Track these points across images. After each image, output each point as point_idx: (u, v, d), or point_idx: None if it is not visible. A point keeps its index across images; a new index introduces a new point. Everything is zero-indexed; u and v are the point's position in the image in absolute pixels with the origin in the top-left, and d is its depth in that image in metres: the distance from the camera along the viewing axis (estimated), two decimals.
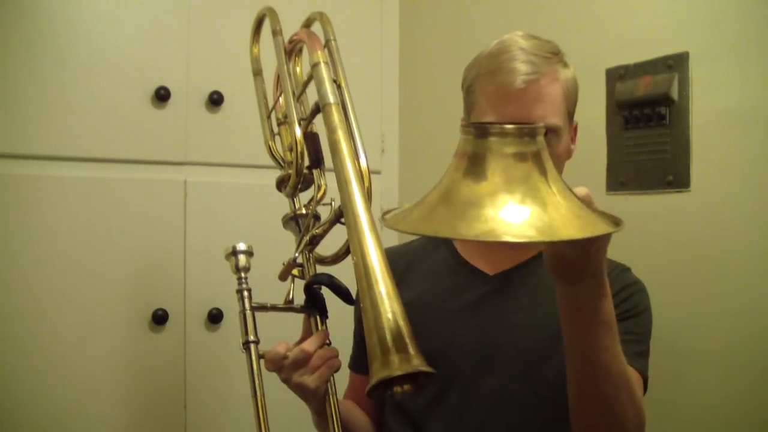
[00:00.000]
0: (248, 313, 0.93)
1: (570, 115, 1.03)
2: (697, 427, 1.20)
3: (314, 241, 0.98)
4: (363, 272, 0.69)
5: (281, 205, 1.64)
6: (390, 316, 0.64)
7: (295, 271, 0.99)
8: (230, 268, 0.97)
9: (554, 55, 1.01)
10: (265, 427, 0.89)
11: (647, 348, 1.02)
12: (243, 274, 0.96)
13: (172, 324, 1.48)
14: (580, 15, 1.41)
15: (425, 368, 0.62)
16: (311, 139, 1.01)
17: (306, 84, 1.01)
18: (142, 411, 1.45)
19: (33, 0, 1.38)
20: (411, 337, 0.64)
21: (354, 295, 0.96)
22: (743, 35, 1.16)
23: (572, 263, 0.73)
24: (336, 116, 0.86)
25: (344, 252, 0.96)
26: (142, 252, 1.46)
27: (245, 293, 0.94)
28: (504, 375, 0.99)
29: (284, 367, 0.93)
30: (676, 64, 1.23)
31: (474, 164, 0.64)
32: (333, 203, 0.94)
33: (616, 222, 0.65)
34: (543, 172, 0.64)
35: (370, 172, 0.89)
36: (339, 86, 0.93)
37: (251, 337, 0.92)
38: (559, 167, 1.03)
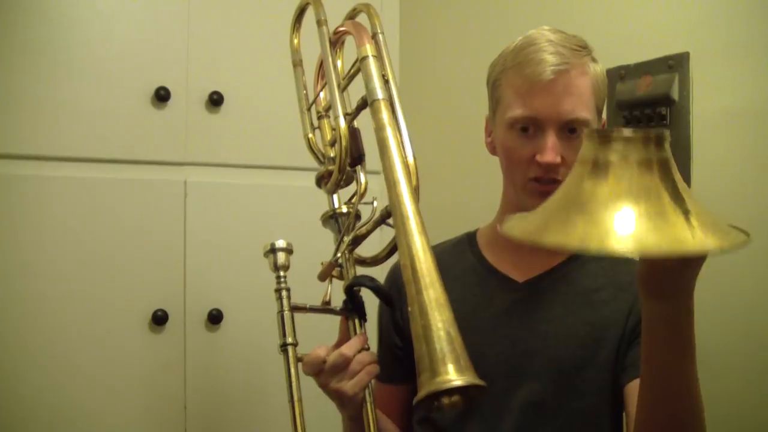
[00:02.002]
0: (287, 313, 0.89)
1: (599, 111, 1.00)
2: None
3: (356, 241, 0.95)
4: (411, 277, 0.67)
5: (281, 205, 1.65)
6: (441, 324, 0.62)
7: (334, 273, 0.96)
8: (269, 266, 0.93)
9: (583, 49, 0.99)
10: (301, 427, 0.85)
11: None
12: (282, 273, 0.92)
13: (172, 324, 1.48)
14: (580, 15, 1.41)
15: (478, 381, 0.60)
16: (353, 135, 0.97)
17: (351, 77, 0.98)
18: (142, 411, 1.44)
19: (33, 0, 1.38)
20: (463, 347, 0.62)
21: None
22: (743, 35, 1.16)
23: (674, 278, 0.69)
24: (385, 113, 0.84)
25: (386, 254, 0.93)
26: (142, 252, 1.45)
27: (284, 293, 0.90)
28: (535, 385, 0.97)
29: (323, 371, 0.89)
30: (677, 64, 1.23)
31: (598, 172, 0.59)
32: (375, 202, 0.92)
33: (745, 233, 0.60)
34: (671, 181, 0.60)
35: (413, 173, 0.86)
36: (387, 81, 0.90)
37: (289, 339, 0.88)
38: None
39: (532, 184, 0.97)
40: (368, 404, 0.89)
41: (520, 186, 1.00)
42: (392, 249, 0.91)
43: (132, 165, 1.46)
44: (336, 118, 0.93)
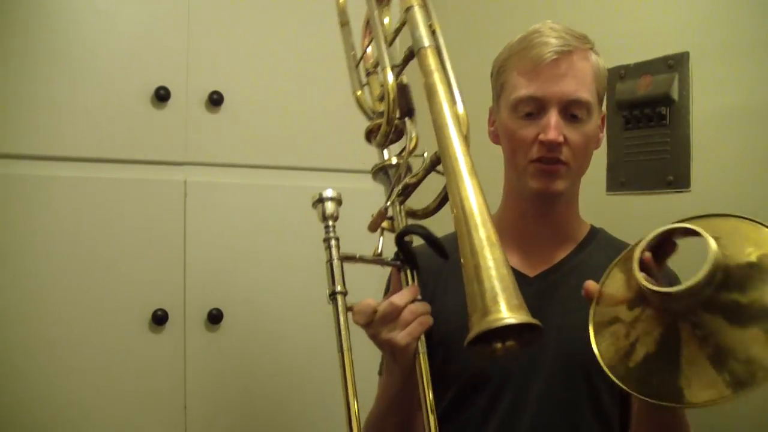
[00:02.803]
0: (336, 262, 0.86)
1: (600, 99, 1.03)
2: (697, 428, 1.20)
3: (407, 191, 0.92)
4: (462, 216, 0.64)
5: (281, 205, 1.65)
6: (492, 263, 0.60)
7: (385, 224, 0.93)
8: (317, 216, 0.90)
9: (586, 39, 1.02)
10: (352, 383, 0.81)
11: None
12: (331, 222, 0.89)
13: (172, 324, 1.48)
14: (579, 15, 1.41)
15: (532, 320, 0.57)
16: (402, 89, 0.95)
17: (398, 30, 0.97)
18: (142, 411, 1.44)
19: (32, 0, 1.38)
20: (516, 287, 0.59)
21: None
22: (743, 35, 1.16)
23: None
24: (432, 59, 0.82)
25: (436, 205, 0.91)
26: (142, 252, 1.45)
27: (333, 242, 0.87)
28: (550, 378, 0.98)
29: (373, 321, 0.87)
30: (677, 64, 1.23)
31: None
32: (425, 154, 0.89)
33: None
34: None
35: (463, 122, 0.82)
36: (434, 32, 0.88)
37: (338, 288, 0.85)
38: (589, 150, 1.03)
39: (535, 165, 0.99)
40: (421, 355, 0.85)
41: (522, 168, 1.01)
42: (443, 198, 0.88)
43: (132, 165, 1.46)
44: (383, 70, 0.91)
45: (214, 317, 1.51)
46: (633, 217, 1.29)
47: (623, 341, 0.72)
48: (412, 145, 0.93)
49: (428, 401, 0.82)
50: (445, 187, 0.84)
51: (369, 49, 1.08)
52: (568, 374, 0.98)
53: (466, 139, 0.80)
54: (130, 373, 1.43)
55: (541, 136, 0.97)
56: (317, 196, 0.91)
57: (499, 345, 0.61)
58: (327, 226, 0.88)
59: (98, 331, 1.41)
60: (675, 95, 1.23)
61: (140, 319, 1.45)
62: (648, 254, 0.71)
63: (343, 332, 0.82)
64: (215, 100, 1.53)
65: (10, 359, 1.34)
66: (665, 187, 1.25)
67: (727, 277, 0.63)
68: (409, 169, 0.94)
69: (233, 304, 1.54)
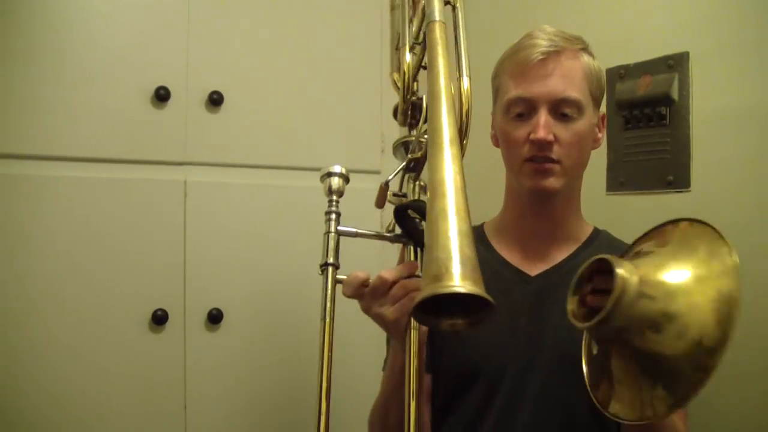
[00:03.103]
0: (332, 234, 0.86)
1: (594, 100, 1.04)
2: (697, 428, 1.20)
3: (416, 166, 0.91)
4: (431, 185, 0.63)
5: (281, 205, 1.65)
6: (450, 233, 0.59)
7: (394, 201, 0.92)
8: (323, 190, 0.91)
9: (577, 40, 1.04)
10: (329, 349, 0.82)
11: None
12: (335, 197, 0.90)
13: (172, 324, 1.48)
14: (579, 15, 1.41)
15: (483, 294, 0.55)
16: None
17: (412, 15, 0.97)
18: (142, 411, 1.44)
19: (32, 0, 1.38)
20: (475, 261, 0.58)
21: None
22: (743, 35, 1.16)
23: None
24: (438, 33, 0.81)
25: None
26: (142, 252, 1.45)
27: (333, 215, 0.88)
28: (547, 377, 0.99)
29: (364, 294, 0.88)
30: (676, 64, 1.23)
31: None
32: None
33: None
34: None
35: (465, 97, 0.81)
36: (454, 7, 0.87)
37: (330, 259, 0.85)
38: (583, 148, 1.04)
39: (528, 165, 1.01)
40: (412, 330, 0.85)
41: (517, 168, 1.03)
42: None
43: (132, 165, 1.46)
44: (402, 48, 0.92)
45: (214, 317, 1.51)
46: (633, 217, 1.29)
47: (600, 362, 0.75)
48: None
49: (411, 375, 0.82)
50: None
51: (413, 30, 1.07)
52: (564, 372, 0.98)
53: (467, 115, 0.80)
54: (130, 373, 1.43)
55: (531, 136, 0.99)
56: (325, 170, 0.93)
57: (448, 321, 0.61)
58: (330, 201, 0.89)
59: (98, 331, 1.41)
60: (675, 95, 1.23)
61: (140, 319, 1.45)
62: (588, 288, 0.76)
63: (328, 303, 0.83)
64: (215, 100, 1.53)
65: (10, 359, 1.34)
66: (665, 187, 1.25)
67: (651, 295, 0.66)
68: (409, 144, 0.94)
69: (233, 304, 1.54)
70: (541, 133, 0.97)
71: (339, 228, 0.86)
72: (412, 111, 0.94)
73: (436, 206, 0.61)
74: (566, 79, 0.99)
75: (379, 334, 1.61)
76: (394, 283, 0.86)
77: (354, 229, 0.88)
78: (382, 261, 1.68)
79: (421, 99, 0.93)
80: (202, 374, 1.51)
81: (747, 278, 1.14)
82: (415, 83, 0.96)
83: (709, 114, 1.20)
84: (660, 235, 0.77)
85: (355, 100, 1.71)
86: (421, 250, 0.84)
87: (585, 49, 1.04)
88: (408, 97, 0.91)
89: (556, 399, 0.98)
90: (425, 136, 0.87)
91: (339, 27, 1.70)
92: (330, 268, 0.85)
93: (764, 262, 1.12)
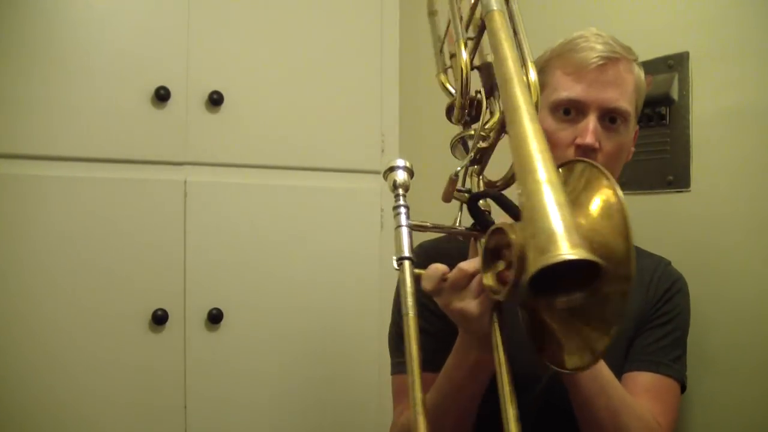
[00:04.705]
0: (404, 228, 0.81)
1: (637, 113, 1.03)
2: (697, 429, 1.20)
3: (483, 158, 0.89)
4: (522, 162, 0.62)
5: (281, 205, 1.65)
6: (552, 204, 0.57)
7: (460, 197, 0.88)
8: (387, 186, 0.86)
9: (631, 51, 1.02)
10: (415, 343, 0.74)
11: (683, 350, 1.03)
12: (401, 191, 0.84)
13: (172, 324, 1.48)
14: (579, 15, 1.41)
15: (595, 258, 0.53)
16: (486, 69, 0.91)
17: (474, 6, 0.93)
18: (142, 411, 1.44)
19: (32, 0, 1.38)
20: (576, 228, 0.56)
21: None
22: (743, 35, 1.16)
23: None
24: (498, 21, 0.78)
25: (511, 175, 0.86)
26: (141, 252, 1.45)
27: (402, 209, 0.82)
28: (549, 380, 0.98)
29: (443, 288, 0.81)
30: (676, 64, 1.23)
31: None
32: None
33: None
34: None
35: (533, 87, 0.79)
36: (507, 1, 0.85)
37: (406, 253, 0.79)
38: (621, 160, 1.03)
39: None
40: (496, 325, 0.79)
41: None
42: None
43: (132, 165, 1.46)
44: (458, 44, 0.89)
45: (214, 317, 1.51)
46: (633, 217, 1.29)
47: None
48: (492, 120, 0.89)
49: (503, 368, 0.76)
50: None
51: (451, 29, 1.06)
52: (565, 375, 0.97)
53: (536, 105, 0.77)
54: (130, 373, 1.43)
55: (578, 140, 0.96)
56: (388, 166, 0.87)
57: (563, 298, 0.59)
58: (397, 195, 0.84)
59: (98, 331, 1.41)
60: (675, 95, 1.23)
61: (140, 319, 1.45)
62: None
63: (409, 298, 0.76)
64: (215, 100, 1.53)
65: (10, 359, 1.34)
66: (665, 187, 1.25)
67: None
68: (485, 138, 0.90)
69: (233, 304, 1.54)
70: (590, 139, 0.95)
71: (410, 222, 0.81)
72: (468, 108, 0.91)
73: (529, 180, 0.59)
74: (620, 89, 0.97)
75: (378, 328, 1.61)
76: (473, 275, 0.80)
77: (426, 223, 0.85)
78: (380, 254, 1.68)
79: (478, 93, 0.91)
80: (202, 374, 1.51)
81: (747, 278, 1.14)
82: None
83: (709, 114, 1.20)
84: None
85: (355, 100, 1.71)
86: None
87: (636, 60, 1.02)
88: (466, 93, 0.88)
89: (558, 405, 0.96)
90: (486, 129, 0.86)
91: (339, 27, 1.70)
92: (406, 262, 0.78)
93: (765, 262, 1.12)
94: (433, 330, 0.98)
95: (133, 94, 1.46)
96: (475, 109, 0.90)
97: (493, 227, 0.70)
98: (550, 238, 0.54)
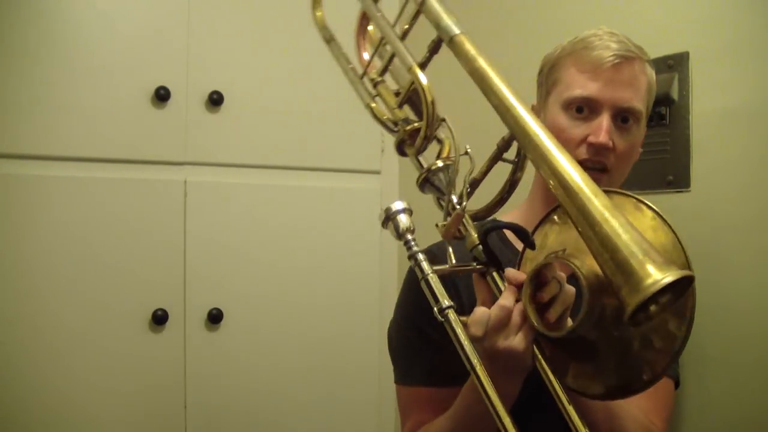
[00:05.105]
0: (431, 276, 0.76)
1: (647, 112, 1.02)
2: (696, 427, 1.20)
3: (473, 186, 0.85)
4: (566, 196, 0.60)
5: (281, 204, 1.65)
6: (620, 229, 0.56)
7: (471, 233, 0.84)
8: (390, 234, 0.81)
9: (644, 51, 1.01)
10: (497, 400, 0.70)
11: None
12: (410, 236, 0.79)
13: (172, 324, 1.48)
14: (579, 15, 1.41)
15: (686, 272, 0.54)
16: (415, 93, 0.88)
17: (407, 30, 0.90)
18: (142, 411, 1.44)
19: (33, 0, 1.38)
20: (651, 245, 0.55)
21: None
22: (743, 35, 1.15)
23: None
24: (470, 45, 0.76)
25: (499, 199, 0.85)
26: (142, 252, 1.45)
27: (420, 256, 0.77)
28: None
29: (487, 333, 0.77)
30: (676, 64, 1.23)
31: None
32: (469, 150, 0.83)
33: None
34: None
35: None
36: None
37: (445, 303, 0.74)
38: (632, 160, 1.02)
39: None
40: (539, 355, 0.76)
41: None
42: (510, 186, 0.82)
43: (132, 165, 1.46)
44: (410, 69, 0.85)
45: (214, 317, 1.51)
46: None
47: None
48: (446, 150, 0.87)
49: (564, 400, 0.73)
50: (510, 178, 0.80)
51: (366, 56, 1.02)
52: None
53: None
54: (130, 373, 1.44)
55: (592, 138, 0.95)
56: (383, 214, 0.80)
57: (653, 307, 0.58)
58: (407, 242, 0.79)
59: (98, 331, 1.41)
60: (675, 95, 1.23)
61: (140, 319, 1.45)
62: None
63: (467, 346, 0.72)
64: (215, 100, 1.53)
65: (10, 359, 1.34)
66: (665, 187, 1.25)
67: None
68: (447, 168, 0.87)
69: (233, 304, 1.54)
70: (604, 138, 0.94)
71: (435, 267, 0.77)
72: (415, 137, 0.87)
73: (592, 209, 0.58)
74: (634, 89, 0.97)
75: (378, 327, 1.61)
76: (511, 310, 0.77)
77: (448, 267, 0.80)
78: (380, 254, 1.68)
79: (415, 122, 0.88)
80: (202, 374, 1.51)
81: (747, 278, 1.14)
82: (397, 109, 0.91)
83: (709, 114, 1.20)
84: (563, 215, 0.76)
85: (355, 100, 1.71)
86: (503, 273, 0.79)
87: (649, 60, 1.01)
88: (434, 121, 0.84)
89: (552, 410, 0.96)
90: (451, 158, 0.84)
91: (337, 28, 1.70)
92: (450, 312, 0.74)
93: (764, 261, 1.12)
94: (445, 342, 0.95)
95: (133, 94, 1.46)
96: (425, 140, 0.86)
97: (543, 261, 0.69)
98: (640, 265, 0.53)
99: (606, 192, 0.68)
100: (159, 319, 1.45)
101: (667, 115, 1.24)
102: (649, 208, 0.68)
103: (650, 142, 1.26)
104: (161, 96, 1.47)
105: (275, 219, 1.60)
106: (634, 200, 0.69)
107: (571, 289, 0.71)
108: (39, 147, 1.38)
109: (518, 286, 0.76)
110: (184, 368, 1.49)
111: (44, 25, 1.38)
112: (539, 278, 0.73)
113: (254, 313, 1.57)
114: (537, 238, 0.80)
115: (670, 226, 0.67)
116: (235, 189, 1.57)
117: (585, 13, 1.40)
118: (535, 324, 0.71)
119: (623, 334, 0.67)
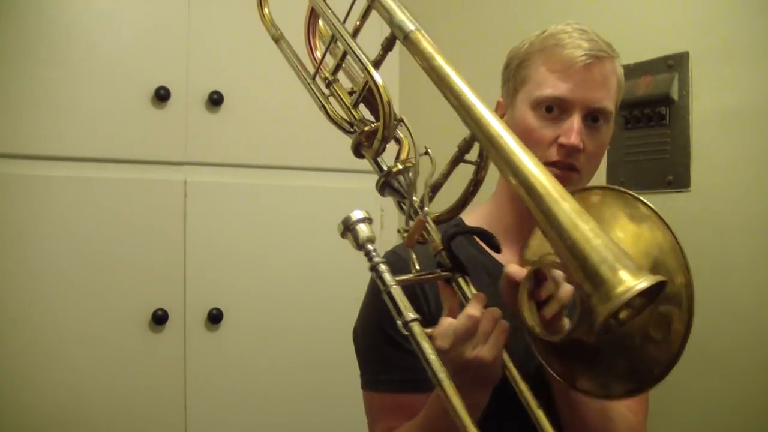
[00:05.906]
0: (395, 288, 0.72)
1: (616, 111, 1.01)
2: (695, 427, 1.20)
3: (435, 190, 0.82)
4: (530, 198, 0.58)
5: (281, 204, 1.65)
6: (591, 233, 0.54)
7: (434, 239, 0.81)
8: (350, 244, 0.78)
9: (612, 48, 1.00)
10: (467, 417, 0.66)
11: None
12: (370, 246, 0.75)
13: (172, 324, 1.48)
14: (579, 15, 1.41)
15: (659, 277, 0.53)
16: (370, 93, 0.85)
17: (359, 27, 0.87)
18: (142, 411, 1.45)
19: (33, 0, 1.38)
20: (624, 250, 0.53)
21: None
22: (743, 35, 1.16)
23: None
24: (427, 43, 0.73)
25: (461, 202, 0.81)
26: (142, 252, 1.46)
27: (382, 267, 0.73)
28: (536, 379, 0.96)
29: (455, 342, 0.74)
30: (676, 64, 1.23)
31: None
32: (429, 151, 0.80)
33: None
34: None
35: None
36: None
37: (410, 315, 0.71)
38: (599, 160, 1.01)
39: (550, 169, 0.96)
40: (510, 365, 0.74)
41: None
42: (475, 186, 0.79)
43: (132, 165, 1.46)
44: (364, 69, 0.81)
45: (214, 317, 1.51)
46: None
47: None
48: (405, 150, 0.85)
49: (533, 406, 0.71)
50: (473, 178, 0.78)
51: (318, 55, 0.98)
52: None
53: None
54: (130, 373, 1.44)
55: (563, 139, 0.94)
56: (342, 225, 0.77)
57: (624, 313, 0.57)
58: (368, 252, 0.75)
59: (98, 330, 1.41)
60: (675, 95, 1.23)
61: (140, 319, 1.45)
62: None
63: (433, 361, 0.68)
64: (215, 100, 1.53)
65: (10, 358, 1.34)
66: (665, 187, 1.25)
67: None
68: (407, 171, 0.85)
69: (233, 304, 1.54)
70: (575, 139, 0.93)
71: (398, 277, 0.74)
72: (372, 138, 0.85)
73: (558, 212, 0.57)
74: (605, 89, 0.96)
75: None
76: (479, 320, 0.74)
77: (412, 276, 0.77)
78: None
79: (372, 123, 0.85)
80: (202, 374, 1.51)
81: (747, 279, 1.14)
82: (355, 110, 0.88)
83: (709, 114, 1.20)
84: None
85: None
86: (468, 278, 0.77)
87: (618, 57, 1.00)
88: (392, 122, 0.81)
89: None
90: (410, 160, 0.82)
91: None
92: (414, 325, 0.70)
93: (764, 261, 1.12)
94: (413, 349, 0.93)
95: (134, 94, 1.46)
96: (382, 141, 0.84)
97: (534, 267, 0.69)
98: (611, 270, 0.52)
99: (603, 189, 0.68)
100: (159, 319, 1.45)
101: (667, 115, 1.24)
102: (646, 206, 0.68)
103: (650, 142, 1.26)
104: (161, 96, 1.47)
105: (275, 219, 1.60)
106: (631, 198, 0.69)
107: (568, 288, 0.71)
108: (39, 147, 1.38)
109: (515, 284, 0.74)
110: (184, 368, 1.49)
111: (44, 25, 1.38)
112: (537, 277, 0.73)
113: (254, 313, 1.57)
114: (536, 237, 0.80)
115: (667, 225, 0.66)
116: (235, 189, 1.57)
117: (585, 12, 1.40)
118: (531, 323, 0.71)
119: (625, 332, 0.67)
